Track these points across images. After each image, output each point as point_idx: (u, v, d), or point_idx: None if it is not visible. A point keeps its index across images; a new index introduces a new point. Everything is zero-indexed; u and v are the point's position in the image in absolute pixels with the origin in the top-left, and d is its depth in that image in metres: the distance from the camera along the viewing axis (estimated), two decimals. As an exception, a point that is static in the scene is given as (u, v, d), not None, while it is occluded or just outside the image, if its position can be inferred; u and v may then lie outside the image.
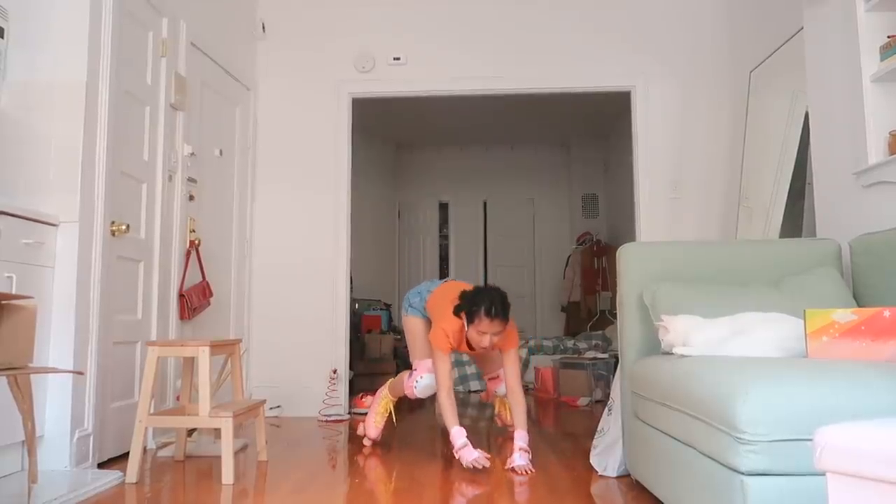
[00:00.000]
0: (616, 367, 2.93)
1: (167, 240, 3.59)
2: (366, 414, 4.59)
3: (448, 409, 2.96)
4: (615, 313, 3.34)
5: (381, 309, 7.24)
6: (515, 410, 3.03)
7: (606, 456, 2.79)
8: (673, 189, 4.57)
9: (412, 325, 3.38)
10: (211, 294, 3.95)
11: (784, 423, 1.51)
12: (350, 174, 4.76)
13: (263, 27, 4.82)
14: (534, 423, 4.22)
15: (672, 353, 2.19)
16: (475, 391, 6.06)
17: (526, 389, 6.14)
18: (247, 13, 4.72)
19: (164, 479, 2.74)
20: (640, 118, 4.63)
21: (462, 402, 5.28)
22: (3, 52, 2.87)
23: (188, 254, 3.79)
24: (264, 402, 3.26)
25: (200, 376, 2.75)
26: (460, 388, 6.05)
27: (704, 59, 4.63)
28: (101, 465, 2.96)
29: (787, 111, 3.69)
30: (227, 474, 2.65)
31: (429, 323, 3.30)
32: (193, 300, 3.74)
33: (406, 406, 5.14)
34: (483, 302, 2.93)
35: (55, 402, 2.76)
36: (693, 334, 2.12)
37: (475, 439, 3.52)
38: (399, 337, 7.26)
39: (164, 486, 2.63)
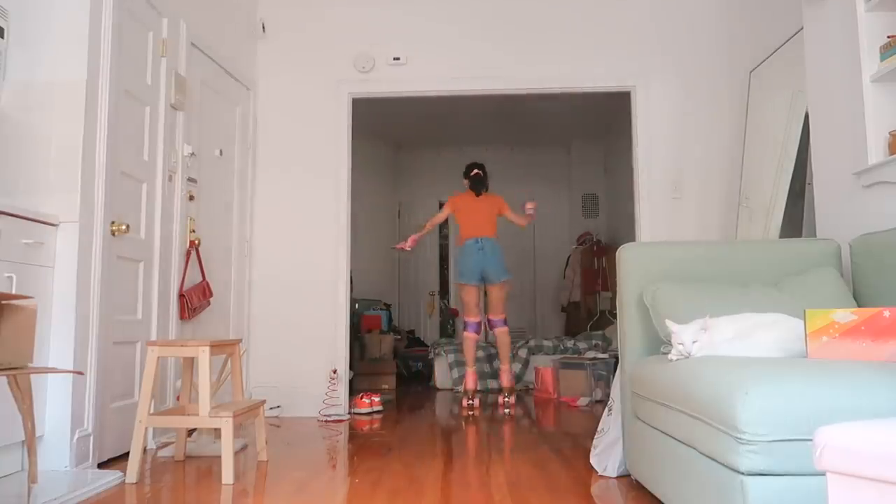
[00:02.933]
0: (616, 367, 2.93)
1: (167, 240, 3.59)
2: (366, 414, 4.62)
3: None
4: (615, 313, 3.33)
5: (381, 309, 7.24)
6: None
7: (606, 456, 2.79)
8: (673, 189, 4.57)
9: (461, 292, 5.10)
10: (211, 294, 3.95)
11: (784, 423, 1.51)
12: (350, 174, 4.76)
13: (263, 27, 4.82)
14: (534, 422, 4.22)
15: (666, 354, 2.19)
16: (492, 390, 6.10)
17: (526, 389, 6.17)
18: (247, 13, 4.72)
19: (164, 479, 2.74)
20: (640, 118, 4.63)
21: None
22: (3, 51, 2.87)
23: (188, 254, 3.79)
24: (264, 402, 3.26)
25: (200, 376, 2.75)
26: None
27: (704, 59, 4.63)
28: (101, 465, 2.96)
29: (787, 111, 3.69)
30: (227, 474, 2.65)
31: (476, 290, 5.02)
32: (193, 300, 3.74)
33: (406, 405, 5.14)
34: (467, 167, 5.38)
35: (55, 402, 2.76)
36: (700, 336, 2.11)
37: (472, 444, 3.50)
38: (399, 337, 7.26)
39: (164, 486, 2.63)
